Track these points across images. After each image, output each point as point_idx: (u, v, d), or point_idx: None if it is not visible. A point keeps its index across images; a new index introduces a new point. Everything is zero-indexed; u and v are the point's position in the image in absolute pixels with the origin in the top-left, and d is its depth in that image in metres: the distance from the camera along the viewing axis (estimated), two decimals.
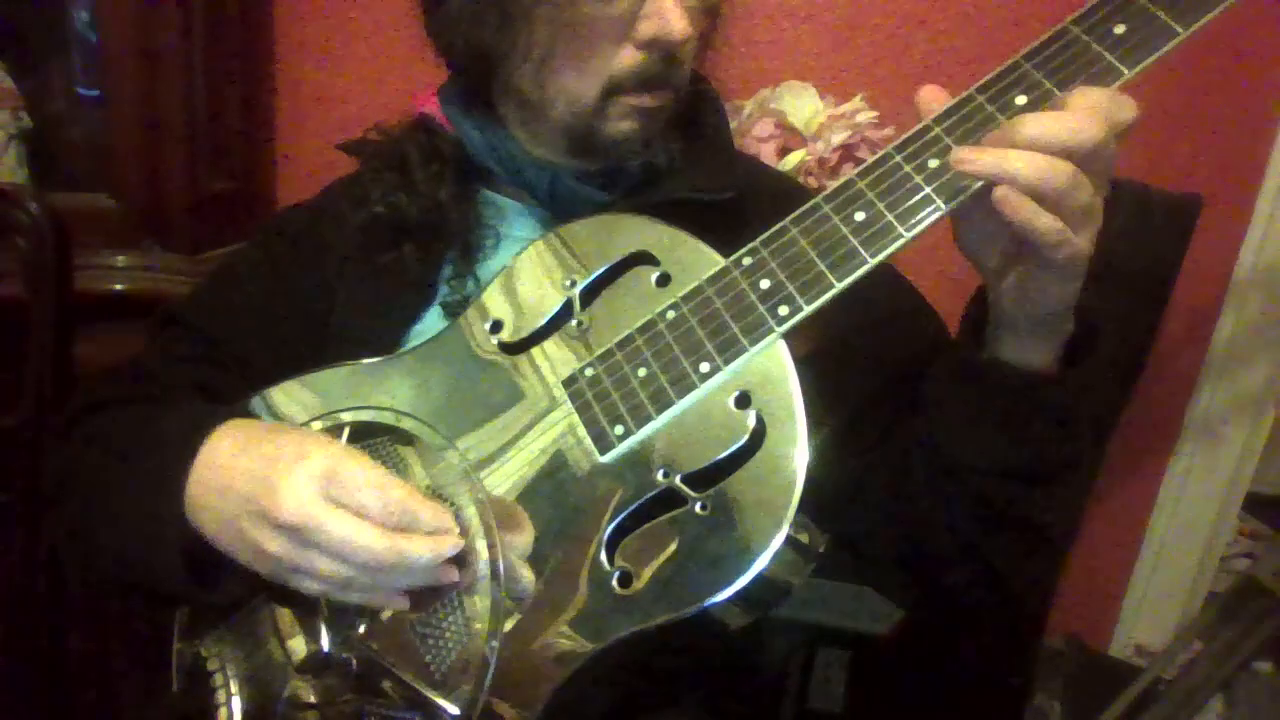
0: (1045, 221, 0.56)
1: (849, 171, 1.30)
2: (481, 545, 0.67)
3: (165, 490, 0.68)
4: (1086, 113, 0.56)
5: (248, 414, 0.77)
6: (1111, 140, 0.57)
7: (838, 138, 1.31)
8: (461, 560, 0.66)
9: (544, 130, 0.79)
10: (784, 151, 1.34)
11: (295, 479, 0.62)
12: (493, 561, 0.67)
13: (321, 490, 0.62)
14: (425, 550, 0.62)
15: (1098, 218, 0.59)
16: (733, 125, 1.15)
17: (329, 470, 0.62)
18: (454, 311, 0.80)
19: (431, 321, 0.83)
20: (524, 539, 0.68)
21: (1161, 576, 1.76)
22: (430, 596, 0.67)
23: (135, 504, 0.71)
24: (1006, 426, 0.66)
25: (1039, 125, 0.56)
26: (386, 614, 0.69)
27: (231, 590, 0.72)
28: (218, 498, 0.66)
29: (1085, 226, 0.58)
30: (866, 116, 1.33)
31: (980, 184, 0.60)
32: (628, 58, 0.72)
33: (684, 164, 0.79)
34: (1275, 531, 1.91)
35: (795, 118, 1.35)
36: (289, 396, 0.78)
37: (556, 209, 0.83)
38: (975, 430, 0.67)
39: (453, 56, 0.81)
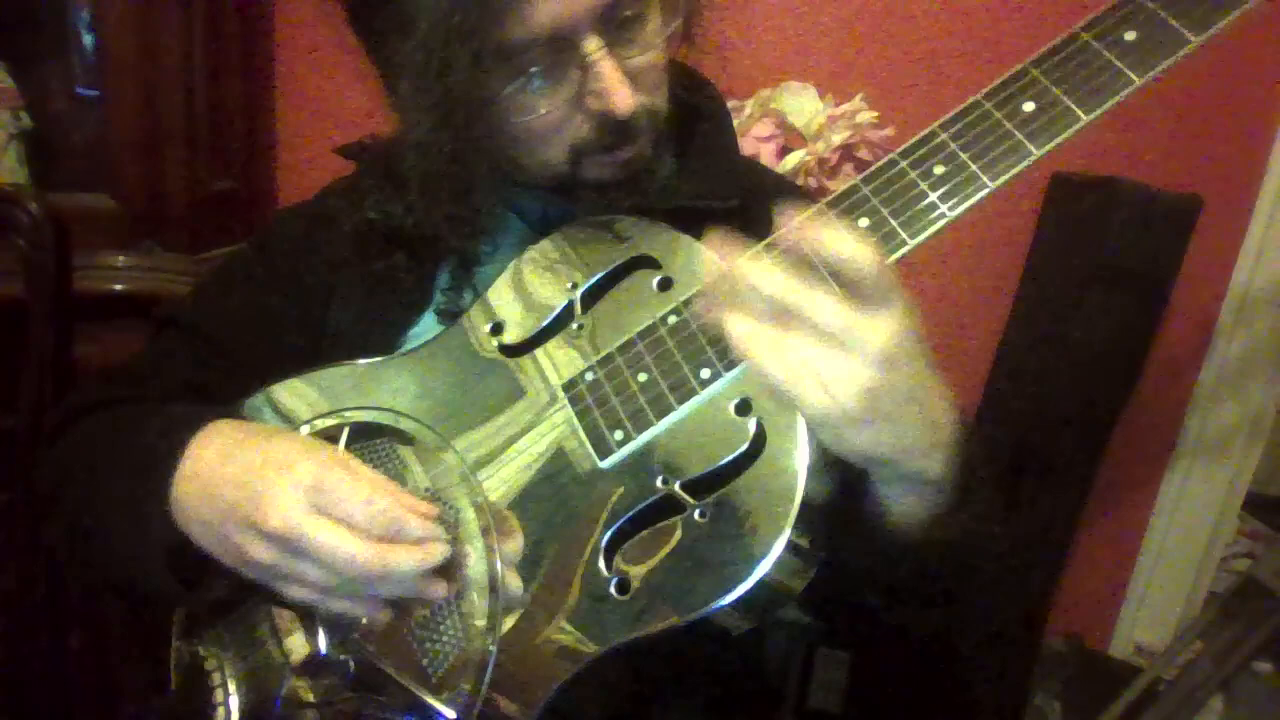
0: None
1: (851, 174, 1.32)
2: (479, 547, 0.67)
3: (150, 493, 0.68)
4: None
5: (236, 415, 0.77)
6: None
7: (838, 138, 1.30)
8: (456, 564, 0.66)
9: (525, 180, 0.79)
10: (784, 151, 1.34)
11: (281, 488, 0.62)
12: (491, 565, 0.67)
13: (308, 500, 0.62)
14: (410, 560, 0.61)
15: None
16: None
17: (315, 480, 0.62)
18: (449, 319, 0.80)
19: (428, 326, 0.82)
20: (513, 545, 0.68)
21: (1161, 576, 1.76)
22: (418, 608, 0.67)
23: (121, 507, 0.71)
24: (875, 558, 0.66)
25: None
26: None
27: (213, 590, 0.72)
28: (203, 503, 0.66)
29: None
30: (866, 116, 1.33)
31: (987, 193, 0.60)
32: (584, 128, 0.71)
33: (686, 173, 0.78)
34: (1275, 531, 1.91)
35: (795, 118, 1.35)
36: (293, 394, 0.78)
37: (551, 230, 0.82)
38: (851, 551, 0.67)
39: None
